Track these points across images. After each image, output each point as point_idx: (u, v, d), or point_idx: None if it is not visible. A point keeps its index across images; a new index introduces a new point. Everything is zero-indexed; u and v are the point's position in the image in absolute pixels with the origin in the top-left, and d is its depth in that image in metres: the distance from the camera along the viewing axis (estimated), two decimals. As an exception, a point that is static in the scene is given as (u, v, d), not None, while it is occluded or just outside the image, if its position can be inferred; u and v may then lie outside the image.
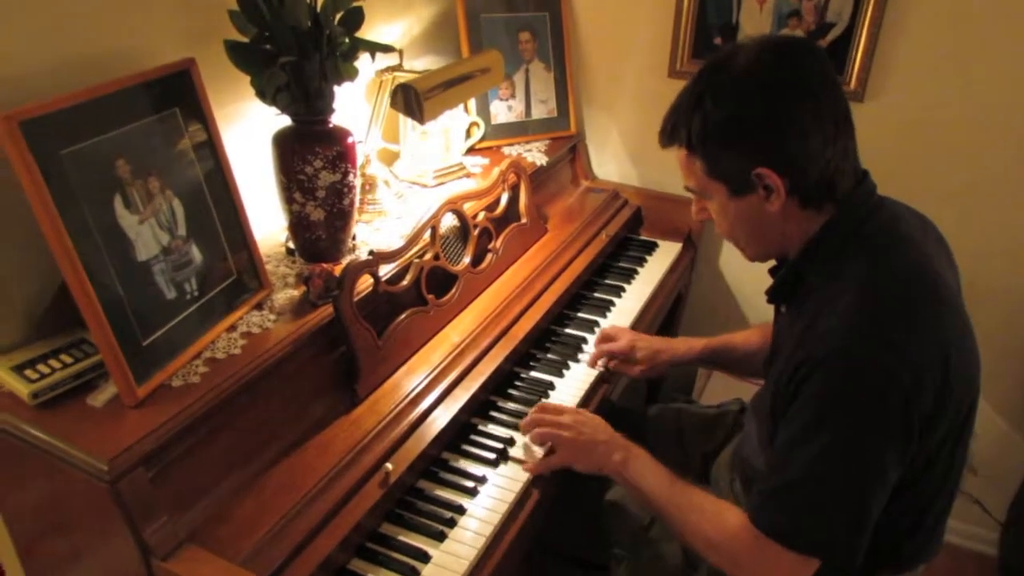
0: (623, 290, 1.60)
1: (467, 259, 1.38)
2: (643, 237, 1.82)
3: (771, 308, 1.07)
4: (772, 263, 1.03)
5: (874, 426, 0.83)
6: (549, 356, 1.38)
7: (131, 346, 0.91)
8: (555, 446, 1.11)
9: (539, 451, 1.14)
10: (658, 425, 1.33)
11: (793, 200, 0.91)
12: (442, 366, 1.21)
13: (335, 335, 1.11)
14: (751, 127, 0.88)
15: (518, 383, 1.31)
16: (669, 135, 0.96)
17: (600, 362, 1.34)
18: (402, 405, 1.12)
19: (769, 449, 0.94)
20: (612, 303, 1.55)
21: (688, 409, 1.36)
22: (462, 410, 1.16)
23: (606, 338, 1.36)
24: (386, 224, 1.41)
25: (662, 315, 1.64)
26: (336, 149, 1.13)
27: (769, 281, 1.03)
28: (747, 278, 1.89)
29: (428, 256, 1.28)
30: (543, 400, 1.25)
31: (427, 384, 1.17)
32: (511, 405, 1.25)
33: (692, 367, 1.50)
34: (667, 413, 1.37)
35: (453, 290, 1.33)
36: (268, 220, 1.30)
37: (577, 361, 1.37)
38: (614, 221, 1.75)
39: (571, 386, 1.31)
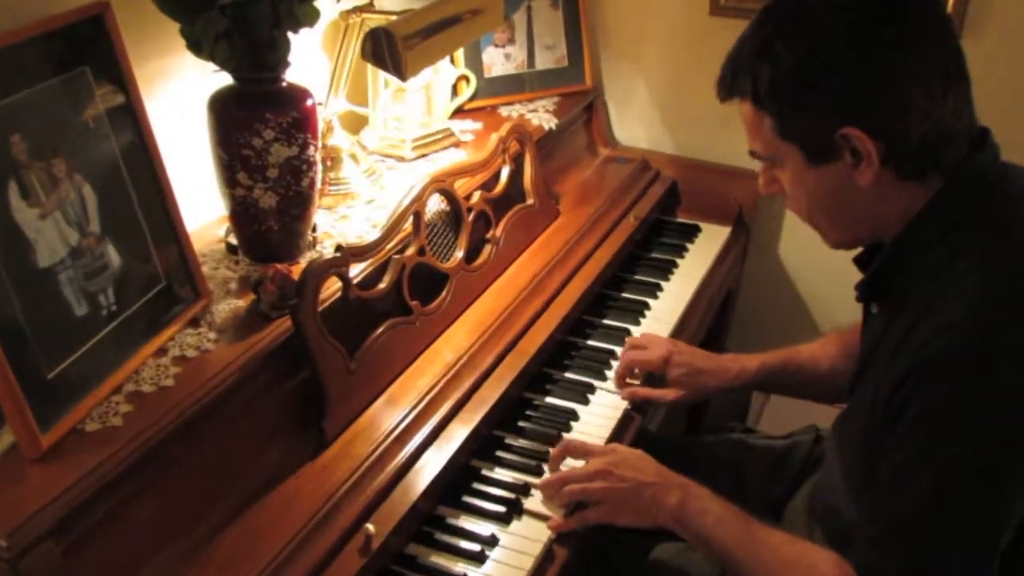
0: (659, 289, 1.60)
1: (460, 253, 1.37)
2: (681, 220, 1.81)
3: (852, 309, 1.07)
4: (857, 251, 1.02)
5: (1010, 442, 0.83)
6: (568, 376, 1.37)
7: (32, 380, 0.89)
8: (590, 502, 1.10)
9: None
10: (708, 462, 1.32)
11: (889, 169, 0.90)
12: (433, 393, 1.20)
13: (295, 357, 1.10)
14: (834, 76, 0.87)
15: (530, 413, 1.30)
16: (729, 85, 0.95)
17: (627, 382, 1.34)
18: (384, 446, 1.11)
19: (868, 488, 0.94)
20: (646, 306, 1.55)
21: (746, 441, 1.36)
22: (460, 451, 1.15)
23: (635, 347, 1.36)
24: (355, 210, 1.39)
25: (708, 320, 1.63)
26: (291, 115, 1.11)
27: (849, 273, 1.03)
28: (817, 270, 1.87)
29: (411, 251, 1.27)
30: (563, 434, 1.24)
31: (414, 418, 1.16)
32: (522, 442, 1.24)
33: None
34: (720, 447, 1.36)
35: (444, 293, 1.32)
36: (204, 209, 1.28)
37: (604, 380, 1.37)
38: (644, 200, 1.74)
39: (598, 414, 1.30)
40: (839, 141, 0.89)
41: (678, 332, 1.49)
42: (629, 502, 1.07)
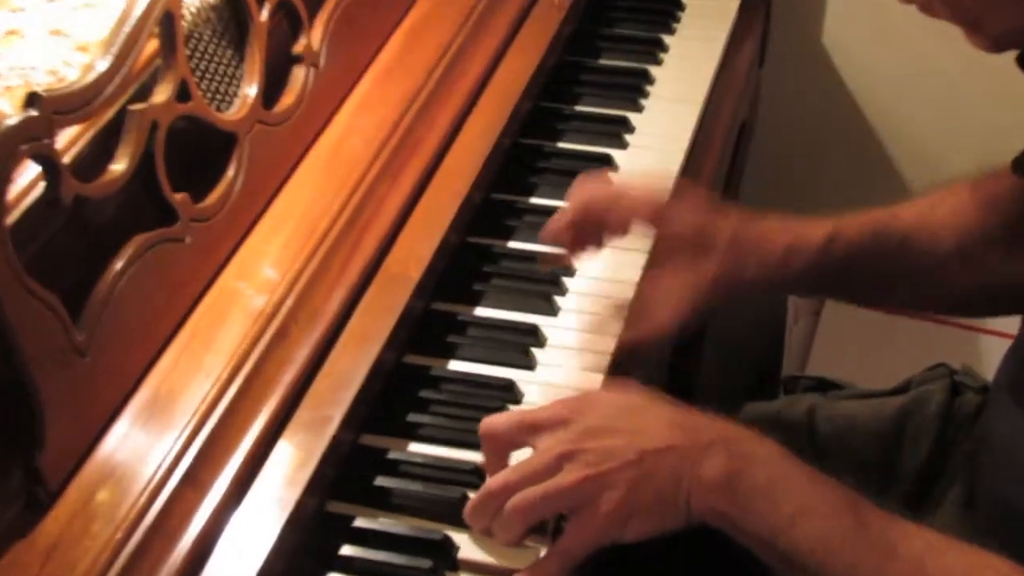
0: (623, 126, 1.61)
1: (251, 89, 1.30)
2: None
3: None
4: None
5: None
6: (488, 315, 1.34)
7: None
8: (566, 511, 1.07)
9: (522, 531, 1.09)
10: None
11: None
12: (241, 378, 1.13)
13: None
14: None
15: (426, 394, 1.24)
16: None
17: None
18: (164, 494, 1.04)
19: None
20: (604, 160, 1.55)
21: (820, 405, 1.39)
22: (309, 491, 1.08)
23: (583, 195, 1.34)
24: (31, 28, 1.31)
25: (714, 174, 1.65)
26: None
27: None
28: (893, 81, 1.98)
29: (163, 94, 1.19)
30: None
31: (214, 429, 1.09)
32: (424, 451, 1.18)
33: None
34: (768, 420, 1.38)
35: (230, 172, 1.26)
36: None
37: (554, 314, 1.33)
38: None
39: (557, 375, 1.27)
40: None
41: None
42: (633, 494, 1.04)
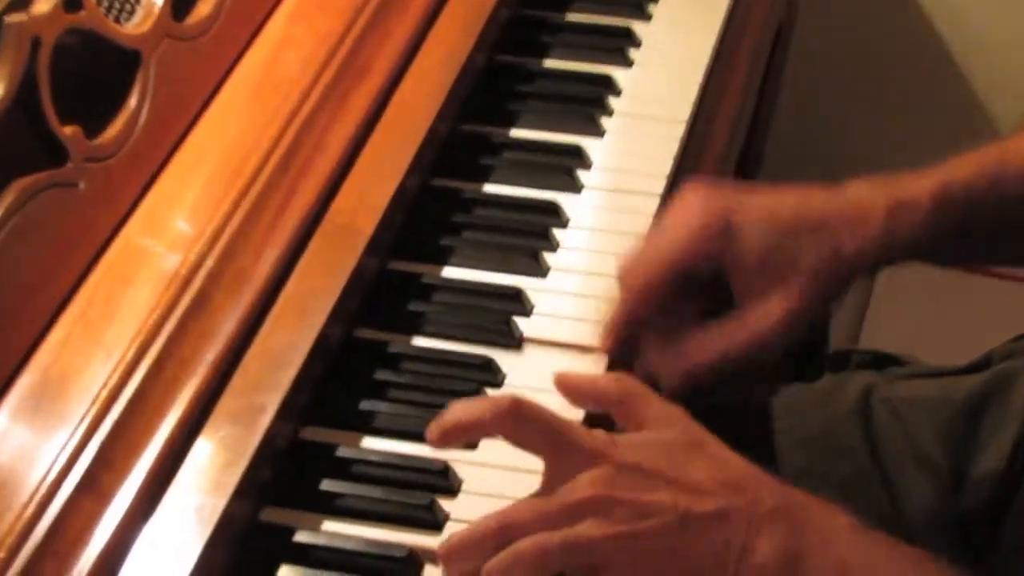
0: (627, 39, 1.59)
1: None
2: None
3: None
4: None
5: None
6: (460, 276, 1.33)
7: None
8: (579, 570, 1.04)
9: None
10: (793, 442, 1.34)
11: None
12: (151, 357, 1.11)
13: None
14: None
15: (383, 376, 1.23)
16: None
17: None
18: (44, 509, 1.01)
19: None
20: (603, 82, 1.52)
21: (878, 385, 1.38)
22: (238, 498, 1.07)
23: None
24: None
25: (743, 92, 1.64)
26: None
27: None
28: None
29: (48, 3, 1.19)
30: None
31: (111, 435, 1.07)
32: (382, 447, 1.16)
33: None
34: (838, 396, 1.38)
35: (133, 99, 1.26)
36: None
37: (542, 274, 1.32)
38: None
39: (548, 355, 1.24)
40: None
41: (694, 154, 1.48)
42: (665, 565, 1.02)
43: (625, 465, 1.04)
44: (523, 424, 1.06)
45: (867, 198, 1.27)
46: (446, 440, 1.06)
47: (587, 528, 1.00)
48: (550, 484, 1.05)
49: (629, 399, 1.10)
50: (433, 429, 1.06)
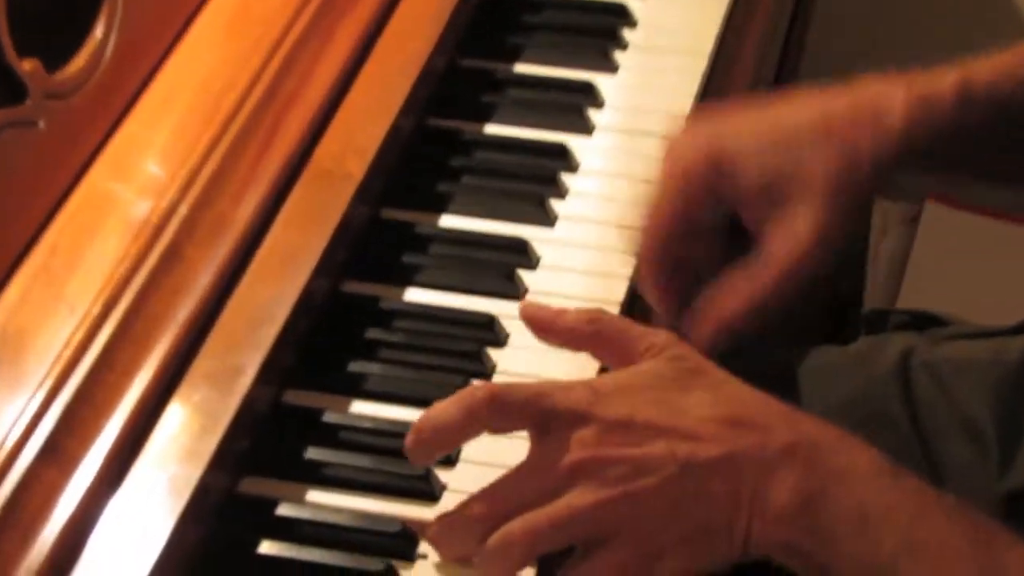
0: None
1: None
2: None
3: None
4: None
5: None
6: (459, 226, 1.33)
7: None
8: (578, 543, 1.03)
9: None
10: (833, 405, 1.33)
11: None
12: (113, 319, 1.11)
13: None
14: None
15: (374, 334, 1.22)
16: None
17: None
18: (1, 480, 1.00)
19: None
20: (617, 14, 1.53)
21: (919, 349, 1.38)
22: (215, 468, 1.06)
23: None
24: None
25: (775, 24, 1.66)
26: None
27: None
28: None
29: None
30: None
31: (72, 401, 1.06)
32: (372, 411, 1.15)
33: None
34: (876, 359, 1.38)
35: (99, 29, 1.26)
36: None
37: (549, 223, 1.32)
38: None
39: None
40: None
41: (726, 48, 1.50)
42: (669, 523, 1.00)
43: (611, 420, 1.02)
44: (502, 413, 1.06)
45: (884, 93, 1.26)
46: (424, 447, 1.05)
47: (576, 497, 0.99)
48: (537, 457, 1.04)
49: (605, 334, 1.10)
50: (409, 439, 1.05)
